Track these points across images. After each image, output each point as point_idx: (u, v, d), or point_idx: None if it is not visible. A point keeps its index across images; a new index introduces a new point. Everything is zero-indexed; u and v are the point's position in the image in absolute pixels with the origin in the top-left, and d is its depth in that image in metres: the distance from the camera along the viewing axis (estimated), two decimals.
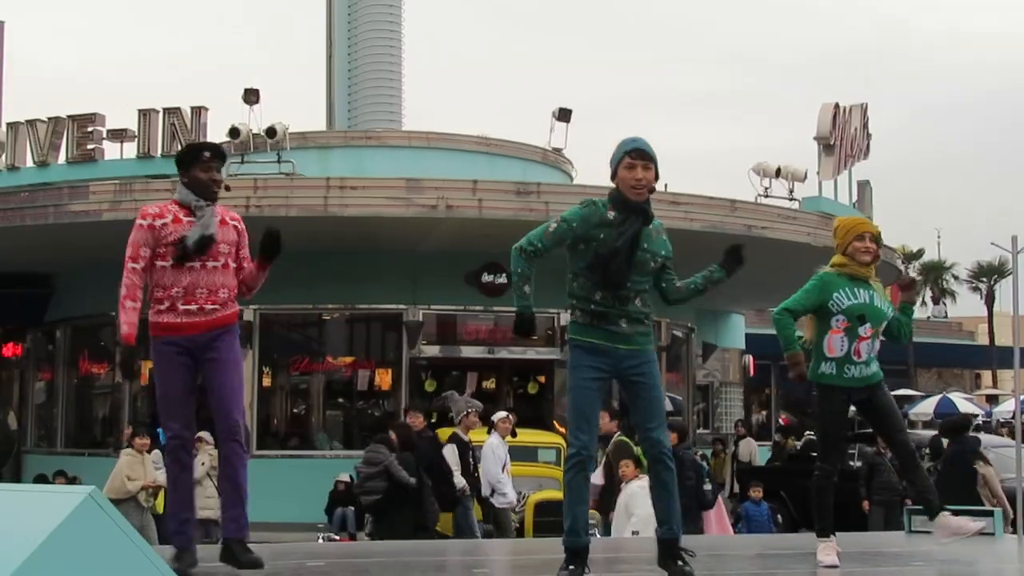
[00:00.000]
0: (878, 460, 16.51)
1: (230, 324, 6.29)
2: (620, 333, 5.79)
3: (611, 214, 5.83)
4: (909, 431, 20.52)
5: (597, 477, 12.92)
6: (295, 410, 22.64)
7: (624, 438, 12.14)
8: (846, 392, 6.91)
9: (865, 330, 6.85)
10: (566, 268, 5.98)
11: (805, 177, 23.67)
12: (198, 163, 6.29)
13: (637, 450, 11.80)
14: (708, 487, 13.03)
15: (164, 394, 6.28)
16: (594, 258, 5.76)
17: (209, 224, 6.21)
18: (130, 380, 6.04)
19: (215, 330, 6.22)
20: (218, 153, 6.44)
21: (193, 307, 6.19)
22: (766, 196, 22.68)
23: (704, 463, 19.76)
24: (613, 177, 5.92)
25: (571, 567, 5.68)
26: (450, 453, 14.04)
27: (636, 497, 10.61)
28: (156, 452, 13.79)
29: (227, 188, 6.37)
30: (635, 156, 5.81)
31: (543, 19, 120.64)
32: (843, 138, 24.84)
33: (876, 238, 7.03)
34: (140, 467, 13.97)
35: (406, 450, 13.49)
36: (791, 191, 23.22)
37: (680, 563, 5.75)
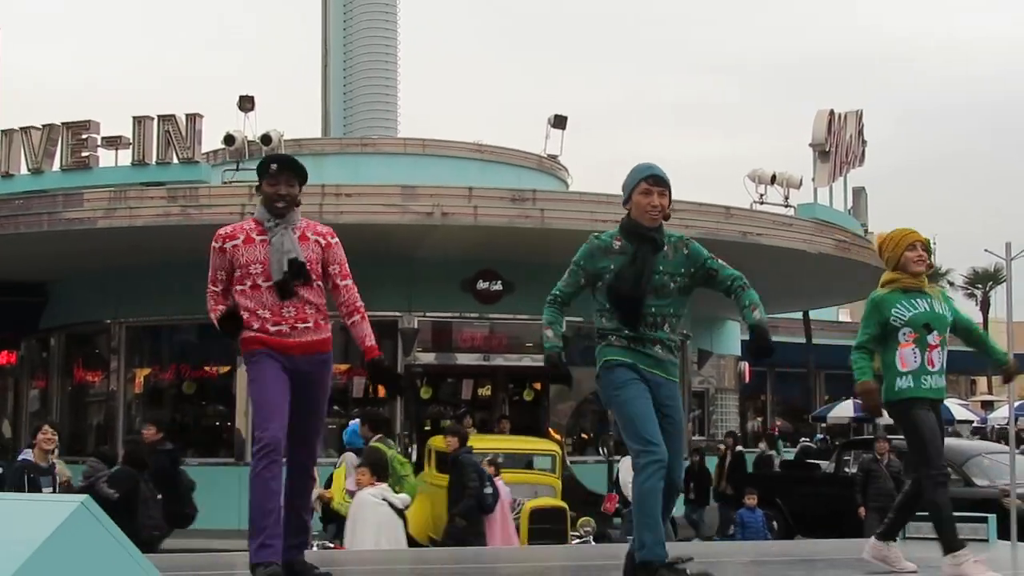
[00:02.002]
0: (874, 467, 16.50)
1: (323, 352, 6.09)
2: (656, 358, 5.73)
3: (616, 243, 5.84)
4: (899, 436, 20.55)
5: None
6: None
7: (378, 444, 12.04)
8: (927, 403, 6.66)
9: (934, 338, 6.74)
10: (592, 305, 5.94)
11: (800, 184, 23.72)
12: (265, 176, 6.13)
13: (393, 453, 11.99)
14: (489, 491, 13.01)
15: (262, 398, 5.96)
16: (611, 293, 5.75)
17: (281, 246, 5.97)
18: (232, 335, 5.51)
19: (310, 354, 6.01)
20: (287, 165, 6.21)
21: (284, 327, 5.97)
22: (761, 203, 22.72)
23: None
24: (626, 203, 5.93)
25: None
26: (628, 464, 13.98)
27: (365, 506, 10.56)
28: (350, 454, 13.89)
29: (297, 204, 6.11)
30: (652, 182, 5.83)
31: (539, 27, 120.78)
32: (838, 145, 24.89)
33: (927, 247, 6.90)
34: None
35: (135, 464, 12.33)
36: (786, 198, 23.27)
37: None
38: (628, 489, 16.02)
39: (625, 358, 5.69)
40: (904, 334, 6.70)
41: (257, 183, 6.18)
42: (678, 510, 20.16)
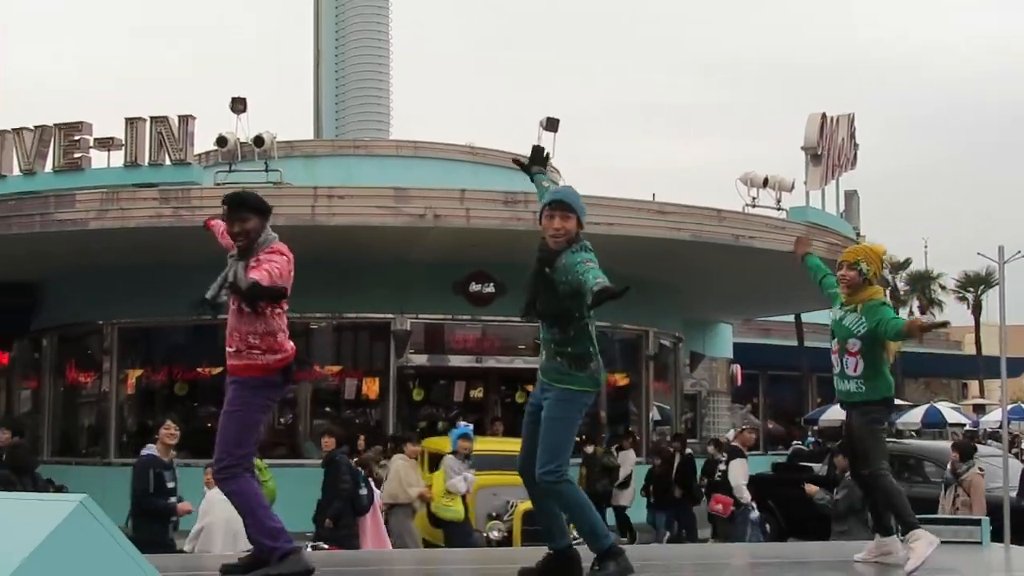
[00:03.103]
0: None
1: (235, 375, 6.41)
2: (543, 366, 6.26)
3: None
4: (895, 440, 20.53)
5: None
6: (282, 419, 22.61)
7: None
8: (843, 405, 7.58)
9: (834, 345, 7.58)
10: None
11: (792, 187, 23.75)
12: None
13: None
14: (364, 492, 13.11)
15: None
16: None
17: (224, 273, 6.44)
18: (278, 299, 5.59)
19: (229, 376, 6.44)
20: (234, 203, 6.62)
21: (231, 349, 6.44)
22: (753, 206, 22.74)
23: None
24: (540, 225, 6.27)
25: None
26: (739, 467, 14.03)
27: (215, 505, 10.65)
28: (452, 458, 14.31)
29: (255, 237, 6.51)
30: (554, 208, 6.15)
31: (532, 28, 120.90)
32: (830, 148, 24.94)
33: (852, 264, 7.74)
34: (414, 473, 14.27)
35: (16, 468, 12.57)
36: (778, 201, 23.30)
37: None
38: (741, 492, 16.07)
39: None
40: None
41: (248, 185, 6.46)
42: (638, 514, 20.15)
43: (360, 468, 13.71)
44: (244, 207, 6.49)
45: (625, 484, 19.95)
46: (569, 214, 6.11)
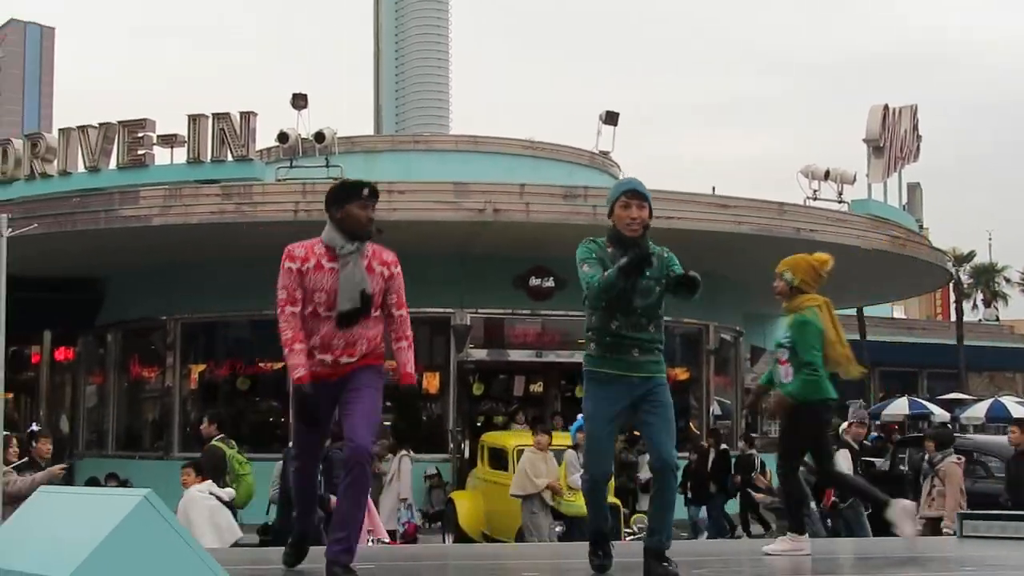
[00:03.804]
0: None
1: (366, 366, 6.05)
2: (632, 361, 6.13)
3: (610, 250, 6.19)
4: (961, 436, 20.23)
5: None
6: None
7: (219, 444, 12.37)
8: None
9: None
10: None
11: (854, 179, 23.54)
12: (355, 199, 6.14)
13: (233, 453, 12.29)
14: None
15: (297, 429, 6.42)
16: (608, 300, 6.12)
17: (352, 277, 5.97)
18: (314, 425, 5.68)
19: (345, 376, 6.00)
20: (375, 193, 6.28)
21: (328, 358, 5.98)
22: (815, 199, 22.57)
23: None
24: (610, 215, 6.27)
25: (599, 552, 6.34)
26: (842, 458, 14.02)
27: (195, 502, 10.77)
28: (572, 452, 14.26)
29: (379, 231, 6.20)
30: (630, 196, 6.19)
31: (592, 26, 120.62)
32: (892, 140, 24.69)
33: (779, 274, 8.04)
34: (543, 464, 14.32)
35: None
36: (840, 194, 23.10)
37: (665, 564, 6.01)
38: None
39: (601, 368, 6.18)
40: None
41: (338, 199, 6.16)
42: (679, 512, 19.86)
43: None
44: (377, 199, 6.31)
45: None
46: (645, 203, 6.19)
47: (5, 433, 11.66)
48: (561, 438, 15.59)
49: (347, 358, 5.95)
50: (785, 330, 7.94)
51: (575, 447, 14.86)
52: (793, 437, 7.87)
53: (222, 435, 12.79)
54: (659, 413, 6.09)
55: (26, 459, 11.43)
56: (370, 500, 13.56)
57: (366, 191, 6.15)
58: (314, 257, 6.01)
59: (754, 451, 19.22)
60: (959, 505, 12.39)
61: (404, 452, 17.45)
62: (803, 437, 7.83)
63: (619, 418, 6.25)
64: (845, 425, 14.62)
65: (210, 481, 11.22)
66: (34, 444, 12.01)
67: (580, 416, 16.64)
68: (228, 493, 11.47)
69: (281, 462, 12.98)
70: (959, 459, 13.33)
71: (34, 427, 12.98)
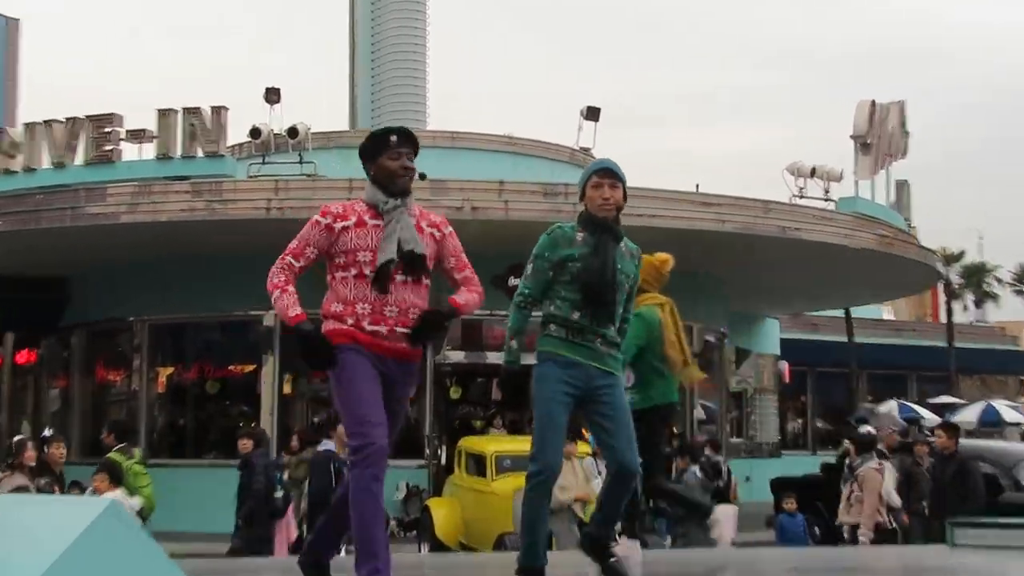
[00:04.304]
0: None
1: (414, 361, 5.66)
2: (595, 350, 5.95)
3: (579, 235, 6.05)
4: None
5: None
6: (316, 419, 22.69)
7: (117, 455, 12.45)
8: None
9: None
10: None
11: (841, 177, 23.61)
12: (384, 150, 5.65)
13: (130, 464, 12.20)
14: (280, 494, 13.12)
15: (357, 396, 5.40)
16: (581, 287, 5.96)
17: (394, 232, 5.53)
18: (331, 368, 5.31)
19: (402, 362, 5.54)
20: (408, 135, 5.74)
21: (382, 329, 5.46)
22: (801, 197, 22.64)
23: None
24: (581, 198, 6.19)
25: None
26: (888, 473, 13.98)
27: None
28: (590, 459, 14.01)
29: (422, 177, 5.96)
30: (602, 175, 6.09)
31: (572, 18, 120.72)
32: (880, 137, 24.76)
33: None
34: (572, 476, 13.89)
35: None
36: (827, 191, 23.17)
37: (613, 559, 6.04)
38: (889, 496, 15.80)
39: (561, 351, 5.92)
40: None
41: (368, 154, 5.74)
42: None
43: (278, 470, 13.86)
44: (414, 144, 5.77)
45: None
46: (618, 183, 6.10)
47: (21, 437, 11.73)
48: (515, 442, 15.49)
49: (401, 328, 5.48)
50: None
51: (594, 454, 14.72)
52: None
53: (123, 444, 12.94)
54: (617, 417, 5.89)
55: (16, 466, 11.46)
56: (290, 510, 13.58)
57: (394, 137, 5.67)
58: (354, 215, 5.60)
59: (720, 457, 19.10)
60: (876, 512, 12.49)
61: None
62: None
63: (571, 406, 5.93)
64: (875, 432, 14.62)
65: (122, 490, 11.25)
66: (46, 449, 12.06)
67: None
68: (135, 503, 11.50)
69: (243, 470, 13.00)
70: (880, 464, 13.41)
71: (47, 432, 13.09)
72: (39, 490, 11.34)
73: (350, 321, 5.47)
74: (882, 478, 13.16)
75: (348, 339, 5.44)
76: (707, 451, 19.74)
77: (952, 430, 13.66)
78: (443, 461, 20.57)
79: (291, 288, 5.55)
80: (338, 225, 5.56)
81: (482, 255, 23.03)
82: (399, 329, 5.48)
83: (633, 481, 6.03)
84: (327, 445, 11.19)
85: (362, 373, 5.39)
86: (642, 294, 7.43)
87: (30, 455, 11.55)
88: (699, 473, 15.50)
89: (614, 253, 5.99)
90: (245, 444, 13.66)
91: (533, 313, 6.12)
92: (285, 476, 14.44)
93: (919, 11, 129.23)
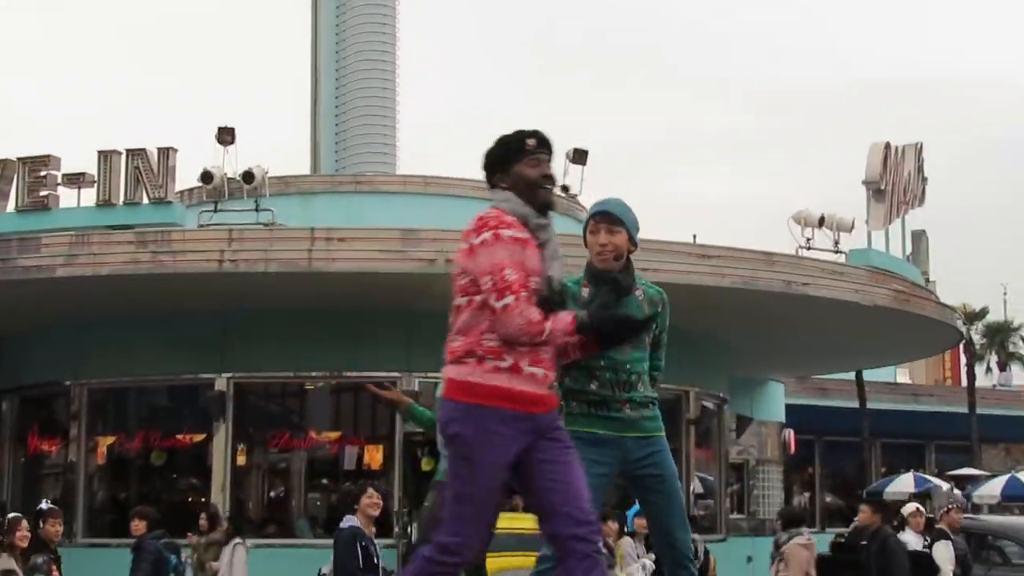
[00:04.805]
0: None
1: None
2: (625, 420, 5.86)
3: (584, 291, 5.96)
4: (973, 516, 20.32)
5: None
6: (273, 493, 22.56)
7: None
8: None
9: None
10: None
11: (852, 226, 23.69)
12: (522, 156, 5.21)
13: None
14: None
15: (481, 487, 4.97)
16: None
17: (559, 255, 5.14)
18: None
19: (550, 418, 5.11)
20: (544, 141, 5.28)
21: (539, 372, 5.02)
22: (808, 248, 22.69)
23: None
24: (586, 245, 6.07)
25: None
26: (944, 550, 13.87)
27: None
28: (628, 540, 13.80)
29: (565, 189, 5.63)
30: (599, 219, 5.97)
31: (555, 58, 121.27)
32: (895, 182, 24.87)
33: None
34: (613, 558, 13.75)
35: None
36: (836, 242, 23.24)
37: None
38: None
39: (586, 428, 5.77)
40: None
41: (500, 162, 5.29)
42: None
43: (174, 553, 13.80)
44: (552, 151, 5.34)
45: None
46: (616, 227, 5.95)
47: (15, 515, 11.65)
48: (527, 521, 15.37)
49: (552, 375, 5.11)
50: None
51: (632, 534, 14.52)
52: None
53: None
54: (664, 489, 5.82)
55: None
56: None
57: (532, 141, 5.23)
58: (524, 230, 5.10)
59: (696, 535, 18.87)
60: None
61: (238, 540, 16.13)
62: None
63: (603, 486, 5.83)
64: (940, 512, 14.55)
65: None
66: (42, 524, 11.95)
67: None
68: None
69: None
70: (808, 540, 13.39)
71: (43, 506, 13.00)
72: (35, 568, 11.26)
73: (509, 361, 4.99)
74: (809, 555, 13.11)
75: (503, 401, 4.99)
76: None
77: (875, 505, 13.72)
78: (414, 539, 20.43)
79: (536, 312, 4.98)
80: (522, 236, 5.11)
81: None
82: (552, 380, 5.13)
83: (687, 571, 5.88)
84: (351, 521, 11.07)
85: (502, 451, 4.97)
86: None
87: (22, 535, 11.44)
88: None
89: (613, 303, 5.85)
90: (138, 526, 13.62)
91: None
92: (189, 559, 14.32)
93: (936, 42, 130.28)
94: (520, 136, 5.27)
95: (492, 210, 5.17)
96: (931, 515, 15.63)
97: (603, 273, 5.93)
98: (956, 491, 30.32)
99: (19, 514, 11.89)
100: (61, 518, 12.53)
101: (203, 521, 16.54)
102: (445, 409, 5.13)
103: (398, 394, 8.50)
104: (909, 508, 14.78)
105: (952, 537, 14.35)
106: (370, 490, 11.07)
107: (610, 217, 5.96)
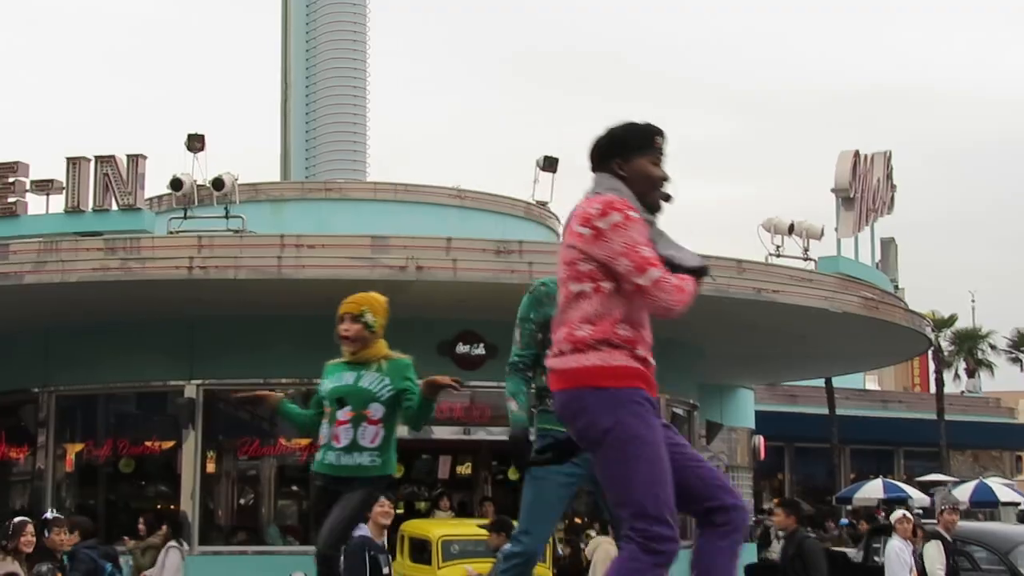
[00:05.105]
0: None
1: None
2: None
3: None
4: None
5: None
6: (242, 500, 22.47)
7: None
8: (321, 478, 7.43)
9: (344, 413, 7.32)
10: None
11: (822, 234, 23.77)
12: (648, 150, 5.04)
13: None
14: None
15: (656, 468, 4.81)
16: None
17: (673, 245, 5.02)
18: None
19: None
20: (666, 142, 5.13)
21: (649, 358, 5.01)
22: (778, 255, 22.75)
23: None
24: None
25: None
26: (935, 550, 13.80)
27: None
28: None
29: (667, 198, 5.08)
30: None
31: (528, 64, 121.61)
32: (864, 190, 24.98)
33: (356, 315, 7.56)
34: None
35: None
36: (806, 250, 23.32)
37: None
38: None
39: (559, 426, 5.68)
40: (324, 407, 7.50)
41: (626, 146, 5.05)
42: None
43: (109, 559, 13.73)
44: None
45: None
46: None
47: (21, 519, 11.64)
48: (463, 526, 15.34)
49: (650, 358, 5.01)
50: (379, 381, 7.40)
51: None
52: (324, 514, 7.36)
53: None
54: None
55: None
56: None
57: (660, 139, 5.06)
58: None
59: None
60: None
61: (173, 544, 15.42)
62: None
63: (572, 488, 5.94)
64: (938, 512, 14.52)
65: None
66: (47, 533, 11.91)
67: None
68: None
69: None
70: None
71: (49, 514, 12.96)
72: None
73: (641, 350, 4.94)
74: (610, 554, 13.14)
75: (641, 382, 4.88)
76: (592, 532, 19.42)
77: (791, 507, 13.71)
78: (384, 546, 20.40)
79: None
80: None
81: (427, 318, 22.97)
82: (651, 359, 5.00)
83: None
84: (362, 530, 11.02)
85: (655, 432, 4.85)
86: (377, 341, 7.52)
87: (27, 540, 11.41)
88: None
89: None
90: (68, 538, 13.48)
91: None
92: (128, 563, 14.24)
93: (906, 52, 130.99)
94: (650, 130, 5.08)
95: (610, 195, 4.90)
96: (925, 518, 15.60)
97: None
98: (953, 493, 30.43)
99: (25, 518, 11.87)
100: (67, 527, 12.50)
101: (141, 526, 16.51)
102: (577, 399, 4.84)
103: (262, 392, 8.22)
104: (897, 514, 14.75)
105: (947, 538, 14.32)
106: (382, 498, 11.00)
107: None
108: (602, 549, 12.58)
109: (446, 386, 7.13)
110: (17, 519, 11.52)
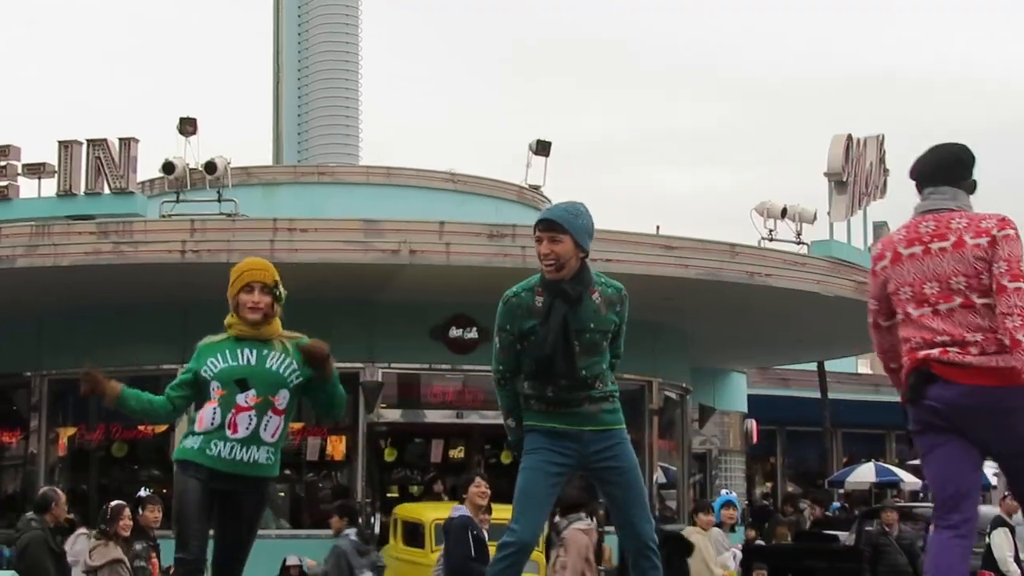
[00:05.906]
0: (882, 540, 16.46)
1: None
2: (583, 414, 5.88)
3: (538, 299, 5.94)
4: (929, 505, 20.54)
5: None
6: None
7: None
8: (207, 472, 6.45)
9: (246, 399, 6.42)
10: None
11: (815, 218, 23.77)
12: (971, 178, 6.21)
13: None
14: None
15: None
16: (534, 362, 5.90)
17: None
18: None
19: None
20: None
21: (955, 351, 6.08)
22: (770, 239, 22.75)
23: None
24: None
25: None
26: (1002, 538, 13.78)
27: None
28: (718, 530, 13.88)
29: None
30: (542, 229, 5.89)
31: (523, 50, 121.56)
32: (857, 174, 24.96)
33: (270, 288, 6.56)
34: (712, 550, 13.53)
35: None
36: (799, 234, 23.32)
37: None
38: (1006, 565, 15.75)
39: (546, 423, 5.87)
40: (213, 388, 6.48)
41: (969, 175, 6.32)
42: None
43: (7, 545, 13.74)
44: None
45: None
46: (560, 235, 5.86)
47: (118, 503, 11.86)
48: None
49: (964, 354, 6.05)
50: (288, 366, 6.56)
51: (719, 525, 14.56)
52: (204, 510, 6.67)
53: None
54: (624, 481, 5.86)
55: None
56: None
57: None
58: (889, 250, 6.20)
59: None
60: None
61: (83, 531, 14.17)
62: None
63: (562, 476, 5.94)
64: (999, 500, 14.49)
65: None
66: (140, 511, 12.07)
67: (725, 492, 16.32)
68: None
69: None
70: (588, 526, 13.40)
71: (142, 493, 13.09)
72: (136, 556, 11.58)
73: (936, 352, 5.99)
74: (589, 540, 13.10)
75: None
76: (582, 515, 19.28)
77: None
78: (376, 531, 20.42)
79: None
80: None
81: (421, 303, 23.06)
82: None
83: (654, 555, 5.89)
84: (461, 511, 11.11)
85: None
86: (276, 318, 6.62)
87: (125, 524, 11.63)
88: (355, 536, 14.01)
89: (565, 315, 5.83)
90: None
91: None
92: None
93: (899, 37, 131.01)
94: (975, 159, 6.21)
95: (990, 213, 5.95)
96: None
97: (551, 284, 5.89)
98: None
99: (122, 502, 12.07)
100: (160, 505, 12.60)
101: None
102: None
103: (100, 381, 7.17)
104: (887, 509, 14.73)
105: (1011, 524, 14.24)
106: (478, 479, 11.26)
107: (552, 225, 5.88)
108: (572, 528, 12.59)
109: (326, 353, 6.64)
110: (115, 503, 11.81)
